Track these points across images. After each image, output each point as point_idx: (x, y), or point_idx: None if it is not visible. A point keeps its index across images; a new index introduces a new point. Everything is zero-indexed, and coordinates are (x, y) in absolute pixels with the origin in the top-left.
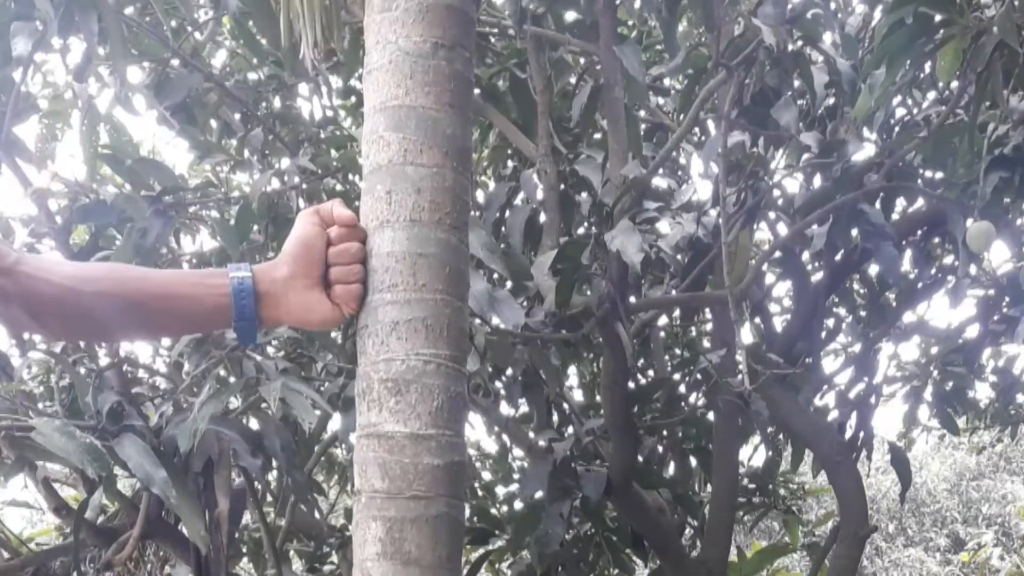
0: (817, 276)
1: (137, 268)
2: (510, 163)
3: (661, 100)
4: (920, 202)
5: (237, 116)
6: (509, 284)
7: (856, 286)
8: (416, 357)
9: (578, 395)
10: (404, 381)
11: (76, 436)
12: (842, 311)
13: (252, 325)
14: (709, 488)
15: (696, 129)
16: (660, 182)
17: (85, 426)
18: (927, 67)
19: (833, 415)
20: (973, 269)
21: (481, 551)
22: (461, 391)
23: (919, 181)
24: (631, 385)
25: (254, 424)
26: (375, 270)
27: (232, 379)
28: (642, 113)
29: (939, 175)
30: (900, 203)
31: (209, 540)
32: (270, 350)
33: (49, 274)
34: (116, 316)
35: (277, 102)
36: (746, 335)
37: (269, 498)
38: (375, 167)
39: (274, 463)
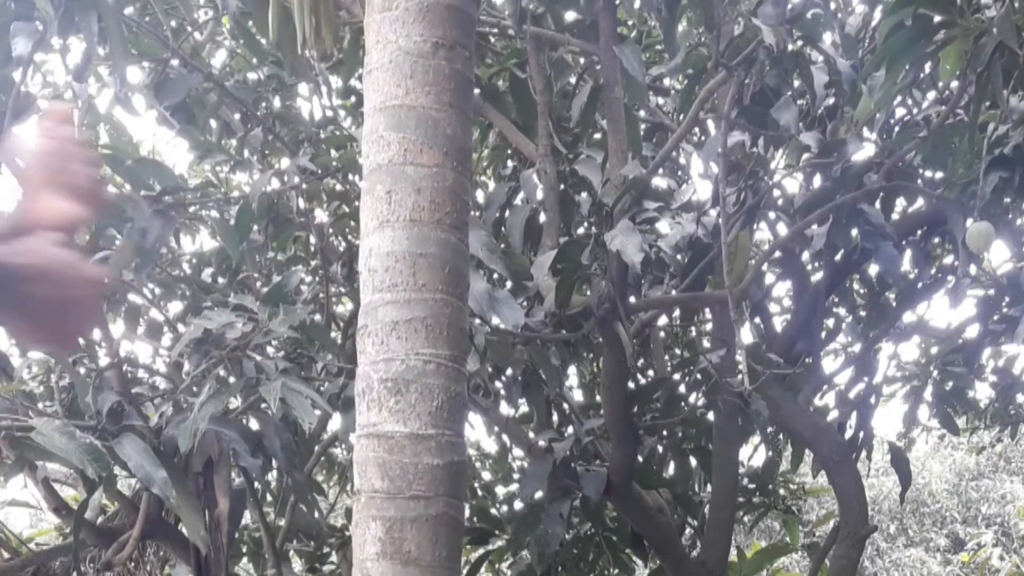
0: (817, 276)
1: None
2: (510, 163)
3: (661, 100)
4: (920, 202)
5: (237, 116)
6: (509, 284)
7: (856, 286)
8: (416, 357)
9: (578, 395)
10: (404, 381)
11: (76, 436)
12: (842, 311)
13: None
14: (709, 488)
15: (696, 129)
16: (660, 182)
17: (85, 426)
18: (927, 67)
19: (833, 415)
20: (973, 269)
21: (481, 551)
22: (461, 391)
23: (919, 181)
24: (631, 385)
25: (254, 424)
26: (375, 270)
27: (232, 379)
28: (642, 113)
29: (939, 175)
30: (900, 203)
31: (209, 540)
32: (270, 350)
33: None
34: None
35: (277, 102)
36: (746, 335)
37: (269, 498)
38: (375, 167)
39: (274, 463)
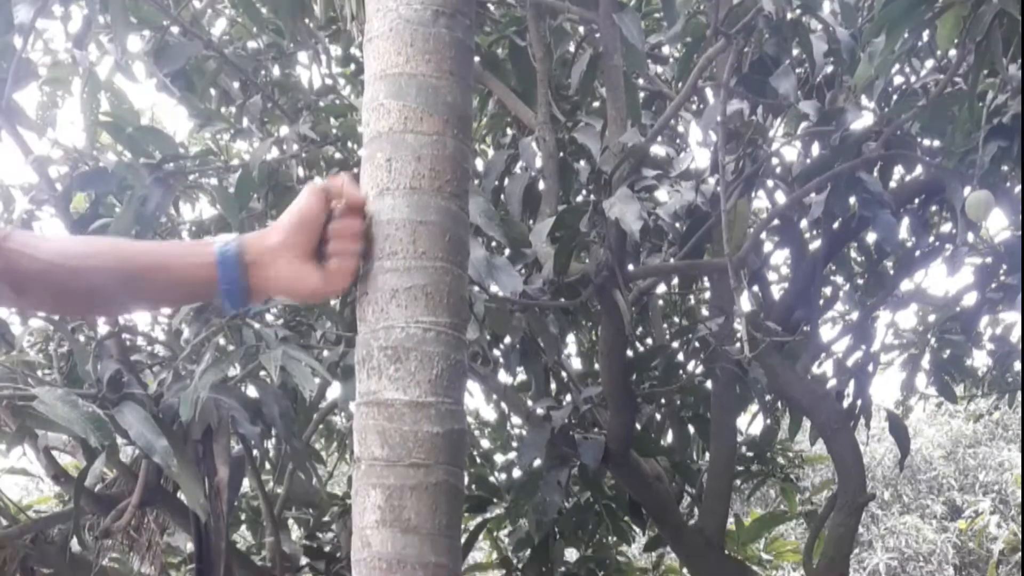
0: (815, 244)
1: (125, 241)
2: (509, 131)
3: (659, 68)
4: (918, 170)
5: (236, 84)
6: (507, 251)
7: (854, 254)
8: (416, 325)
9: (576, 363)
10: (404, 349)
11: (79, 405)
12: (840, 279)
13: (237, 292)
14: (707, 456)
15: (694, 97)
16: (658, 150)
17: (86, 395)
18: (925, 35)
19: (831, 383)
20: (971, 237)
21: (479, 519)
22: (461, 359)
23: (917, 150)
24: (629, 353)
25: (252, 392)
26: (375, 238)
27: (231, 347)
28: (640, 81)
29: (937, 143)
30: (898, 171)
31: (208, 508)
32: (269, 318)
33: (35, 250)
34: (105, 290)
35: (276, 70)
36: (744, 303)
37: (268, 466)
38: (375, 135)
39: (272, 431)
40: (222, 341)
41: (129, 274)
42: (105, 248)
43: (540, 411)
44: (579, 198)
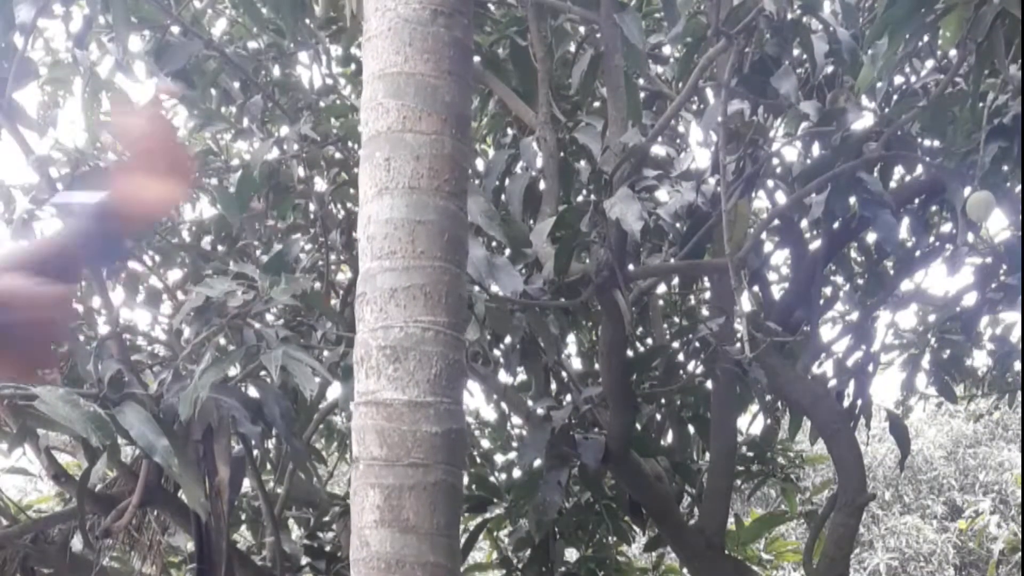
0: (815, 244)
1: None
2: (509, 131)
3: (660, 68)
4: (919, 170)
5: (236, 84)
6: (508, 251)
7: (854, 254)
8: (415, 324)
9: (576, 363)
10: (402, 348)
11: (80, 405)
12: (840, 279)
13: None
14: (707, 456)
15: (695, 97)
16: (659, 150)
17: (87, 394)
18: (925, 36)
19: (831, 383)
20: (971, 237)
21: (479, 519)
22: (460, 359)
23: (918, 150)
24: (629, 353)
25: (253, 392)
26: (374, 237)
27: (232, 347)
28: (641, 81)
29: (937, 144)
30: (898, 171)
31: (209, 507)
32: (269, 318)
33: None
34: None
35: (276, 70)
36: (744, 303)
37: (268, 467)
38: (374, 134)
39: (273, 431)
40: (222, 341)
41: None
42: None
43: (540, 411)
44: (579, 198)
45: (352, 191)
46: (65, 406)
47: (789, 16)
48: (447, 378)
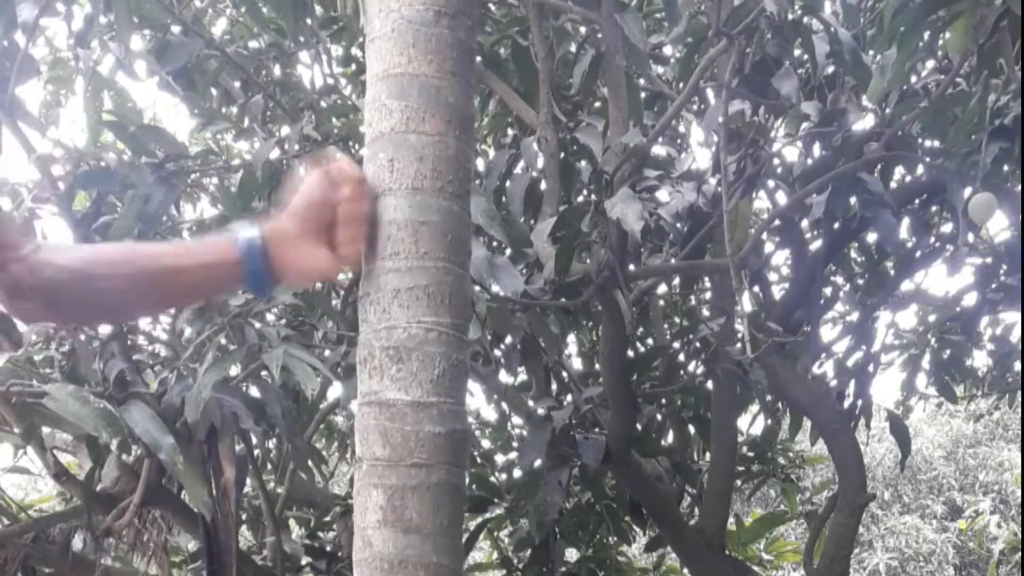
0: (816, 244)
1: (149, 246)
2: (510, 131)
3: (661, 69)
4: (919, 171)
5: (237, 84)
6: (509, 251)
7: (854, 254)
8: (418, 325)
9: (577, 363)
10: (406, 349)
11: (90, 402)
12: (840, 279)
13: (263, 282)
14: (707, 456)
15: (696, 98)
16: (660, 150)
17: (92, 393)
18: (926, 36)
19: (831, 383)
20: (971, 238)
21: (479, 519)
22: (463, 359)
23: (918, 151)
24: (630, 353)
25: (254, 391)
26: (377, 238)
27: (233, 346)
28: (642, 81)
29: (938, 144)
30: (899, 172)
31: (214, 507)
32: (270, 317)
33: (64, 260)
34: (134, 295)
35: (277, 70)
36: (745, 304)
37: (268, 466)
38: (377, 135)
39: (274, 430)
40: (223, 340)
41: (156, 279)
42: (132, 255)
43: (541, 411)
44: (580, 198)
45: None
46: (75, 403)
47: (790, 16)
48: (450, 378)
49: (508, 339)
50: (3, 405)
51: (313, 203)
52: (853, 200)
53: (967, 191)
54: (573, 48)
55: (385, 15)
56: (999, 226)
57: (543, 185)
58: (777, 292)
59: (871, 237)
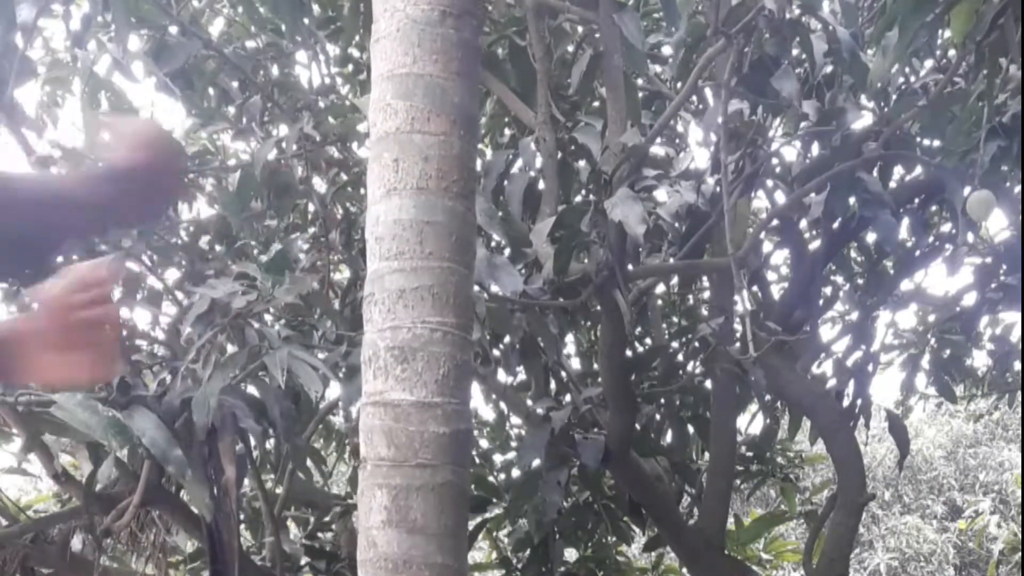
0: (815, 244)
1: None
2: (508, 131)
3: (659, 68)
4: (918, 170)
5: (235, 84)
6: (508, 251)
7: (854, 254)
8: (423, 325)
9: (576, 363)
10: (411, 349)
11: (99, 411)
12: (839, 279)
13: None
14: (707, 456)
15: (694, 97)
16: (658, 150)
17: (96, 398)
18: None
19: (831, 383)
20: (970, 237)
21: (479, 519)
22: (467, 359)
23: (917, 150)
24: (629, 353)
25: (252, 391)
26: (382, 238)
27: (232, 347)
28: (640, 81)
29: (937, 143)
30: (898, 171)
31: (214, 508)
32: (268, 318)
33: None
34: None
35: (275, 70)
36: (744, 303)
37: (268, 466)
38: (382, 135)
39: (274, 430)
40: (223, 341)
41: None
42: None
43: (540, 411)
44: (579, 198)
45: (350, 191)
46: (84, 411)
47: (788, 15)
48: (455, 379)
49: (507, 339)
50: (10, 414)
51: (56, 307)
52: (852, 200)
53: (966, 190)
54: (571, 48)
55: (390, 15)
56: (998, 225)
57: (541, 185)
58: (776, 292)
59: (870, 237)
